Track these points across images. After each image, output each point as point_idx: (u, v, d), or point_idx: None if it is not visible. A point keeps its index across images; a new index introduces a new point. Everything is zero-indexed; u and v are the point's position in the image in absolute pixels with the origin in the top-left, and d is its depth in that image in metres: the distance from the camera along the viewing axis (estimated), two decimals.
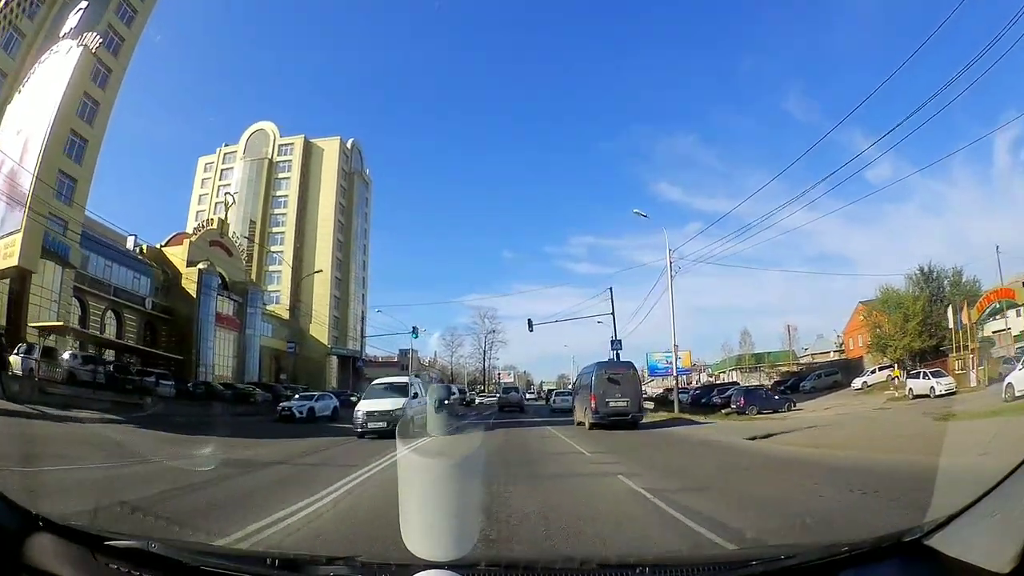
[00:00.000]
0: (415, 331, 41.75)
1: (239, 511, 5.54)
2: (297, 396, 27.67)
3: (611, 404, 17.05)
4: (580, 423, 18.76)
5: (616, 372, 18.21)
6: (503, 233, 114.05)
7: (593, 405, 17.17)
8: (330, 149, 66.47)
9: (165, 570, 1.82)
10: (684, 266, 25.98)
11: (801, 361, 54.13)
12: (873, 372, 35.32)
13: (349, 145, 69.37)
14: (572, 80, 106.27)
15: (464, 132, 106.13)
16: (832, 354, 51.05)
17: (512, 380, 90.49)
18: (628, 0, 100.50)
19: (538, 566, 2.12)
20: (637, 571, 1.89)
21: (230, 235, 48.99)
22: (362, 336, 65.58)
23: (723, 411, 24.48)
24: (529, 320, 33.62)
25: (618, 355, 25.34)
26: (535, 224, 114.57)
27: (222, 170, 65.91)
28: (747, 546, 3.41)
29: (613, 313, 30.41)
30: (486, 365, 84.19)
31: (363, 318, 66.64)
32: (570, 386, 38.46)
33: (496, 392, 54.33)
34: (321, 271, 56.37)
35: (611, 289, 32.69)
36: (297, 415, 23.67)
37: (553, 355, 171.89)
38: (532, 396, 70.18)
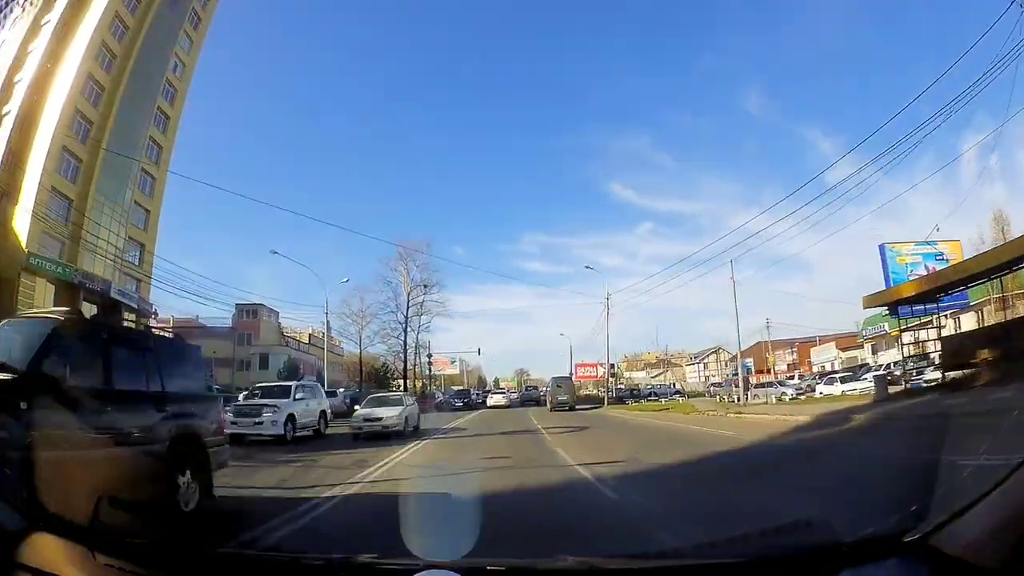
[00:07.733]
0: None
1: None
2: None
3: (559, 399, 33.31)
4: (549, 408, 34.07)
5: (562, 382, 36.04)
6: (455, 228, 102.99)
7: (550, 399, 34.98)
8: None
9: (166, 570, 1.78)
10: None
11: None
12: None
13: None
14: (525, 71, 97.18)
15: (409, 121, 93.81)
16: None
17: (457, 370, 69.21)
18: None
19: (539, 566, 1.97)
20: (639, 571, 1.89)
21: None
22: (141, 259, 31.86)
23: None
24: None
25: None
26: (487, 220, 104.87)
27: None
28: (748, 545, 2.75)
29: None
30: (411, 341, 44.02)
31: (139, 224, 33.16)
32: (545, 387, 46.12)
33: (445, 393, 51.57)
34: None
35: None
36: None
37: (512, 351, 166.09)
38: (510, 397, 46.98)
